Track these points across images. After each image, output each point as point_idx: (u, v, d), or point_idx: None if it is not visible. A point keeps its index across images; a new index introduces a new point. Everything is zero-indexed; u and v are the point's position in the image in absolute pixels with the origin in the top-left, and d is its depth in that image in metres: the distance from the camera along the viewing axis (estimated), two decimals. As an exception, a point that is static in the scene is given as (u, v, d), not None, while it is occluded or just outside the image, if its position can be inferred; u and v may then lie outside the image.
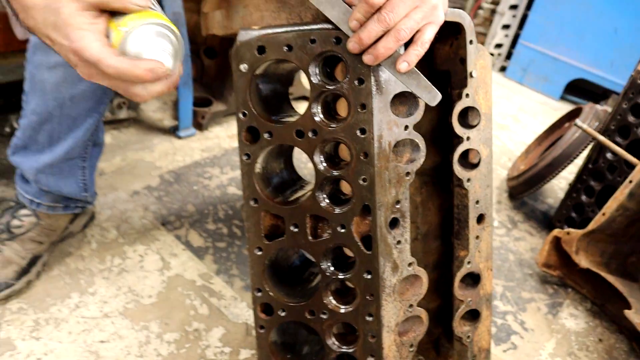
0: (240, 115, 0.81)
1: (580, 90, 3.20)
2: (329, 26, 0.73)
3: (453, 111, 0.85)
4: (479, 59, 0.86)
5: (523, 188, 1.77)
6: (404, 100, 0.80)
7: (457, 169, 0.87)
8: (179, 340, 1.15)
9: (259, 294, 0.87)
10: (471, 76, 0.85)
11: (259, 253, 0.85)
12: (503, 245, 1.66)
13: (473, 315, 0.98)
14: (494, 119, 2.59)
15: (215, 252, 1.43)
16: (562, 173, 1.74)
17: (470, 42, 0.84)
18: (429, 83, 0.74)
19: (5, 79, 1.48)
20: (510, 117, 2.67)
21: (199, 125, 2.00)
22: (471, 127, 0.88)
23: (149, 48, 0.63)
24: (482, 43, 3.46)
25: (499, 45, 3.34)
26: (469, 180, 0.88)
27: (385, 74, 0.75)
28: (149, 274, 1.31)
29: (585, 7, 2.97)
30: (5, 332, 1.10)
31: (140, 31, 0.63)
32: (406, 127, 0.79)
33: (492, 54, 3.35)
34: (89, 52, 0.63)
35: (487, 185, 0.91)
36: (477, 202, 0.90)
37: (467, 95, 0.85)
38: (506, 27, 3.32)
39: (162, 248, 1.40)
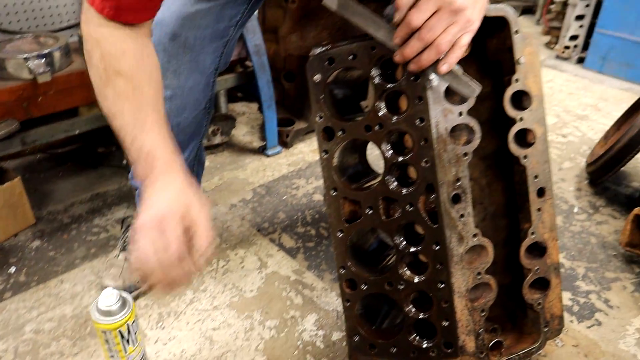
0: (317, 119, 0.96)
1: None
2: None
3: (504, 96, 0.94)
4: (526, 47, 0.95)
5: (602, 172, 1.76)
6: (456, 90, 0.90)
7: (513, 147, 0.96)
8: (278, 326, 1.30)
9: (343, 271, 1.00)
10: (519, 63, 0.94)
11: (341, 235, 0.99)
12: (584, 230, 1.67)
13: (543, 285, 1.04)
14: (573, 111, 2.56)
15: (305, 251, 1.58)
16: (642, 154, 1.72)
17: (516, 32, 0.93)
18: (468, 78, 0.85)
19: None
20: (590, 107, 2.62)
21: (284, 143, 2.20)
22: (524, 109, 0.96)
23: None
24: (557, 37, 3.41)
25: (574, 37, 3.28)
26: (525, 157, 0.96)
27: (436, 70, 0.87)
28: (249, 272, 1.48)
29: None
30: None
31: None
32: (460, 113, 0.89)
33: (567, 47, 3.30)
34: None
35: (544, 160, 0.98)
36: (536, 176, 0.97)
37: (516, 80, 0.94)
38: (580, 17, 3.25)
39: (259, 250, 1.57)
